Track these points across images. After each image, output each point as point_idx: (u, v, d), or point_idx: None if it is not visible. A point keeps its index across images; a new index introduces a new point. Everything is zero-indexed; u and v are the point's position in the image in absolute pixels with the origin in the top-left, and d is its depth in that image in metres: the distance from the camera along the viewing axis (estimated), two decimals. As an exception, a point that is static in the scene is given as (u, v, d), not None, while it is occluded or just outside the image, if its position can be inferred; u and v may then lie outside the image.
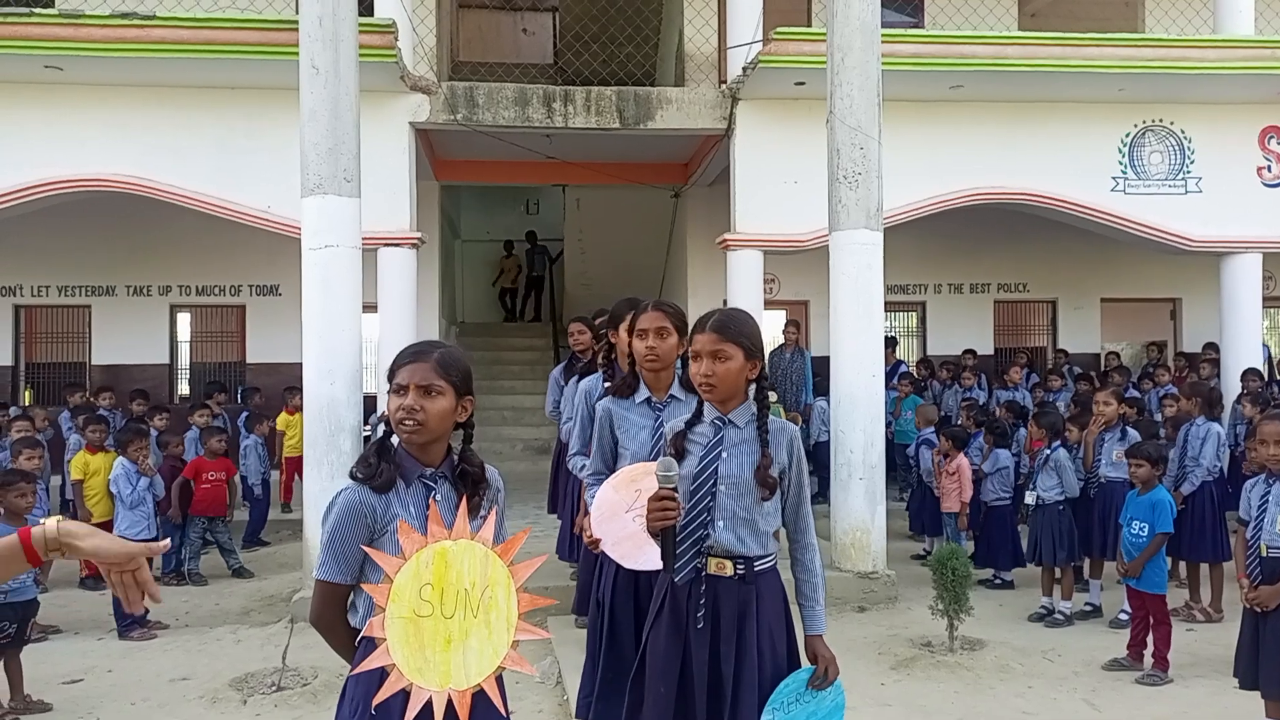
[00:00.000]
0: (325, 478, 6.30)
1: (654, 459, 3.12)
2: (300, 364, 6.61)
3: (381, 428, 2.31)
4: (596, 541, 3.19)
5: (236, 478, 8.55)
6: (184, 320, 11.93)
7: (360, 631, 2.18)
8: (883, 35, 7.11)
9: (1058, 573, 6.30)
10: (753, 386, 2.71)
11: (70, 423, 8.81)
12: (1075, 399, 7.69)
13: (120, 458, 6.56)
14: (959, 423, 8.38)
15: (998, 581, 7.16)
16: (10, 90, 8.16)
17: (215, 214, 8.54)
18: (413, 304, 8.51)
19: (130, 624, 6.07)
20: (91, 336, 11.50)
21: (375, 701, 2.08)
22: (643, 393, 3.44)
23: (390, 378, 2.27)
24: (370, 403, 8.68)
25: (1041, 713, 4.64)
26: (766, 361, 2.82)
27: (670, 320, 3.39)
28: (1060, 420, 6.73)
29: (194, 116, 8.35)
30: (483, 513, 2.27)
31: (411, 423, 2.20)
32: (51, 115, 8.24)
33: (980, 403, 9.54)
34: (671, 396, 3.43)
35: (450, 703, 2.09)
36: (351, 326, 6.48)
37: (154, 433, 7.70)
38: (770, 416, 2.72)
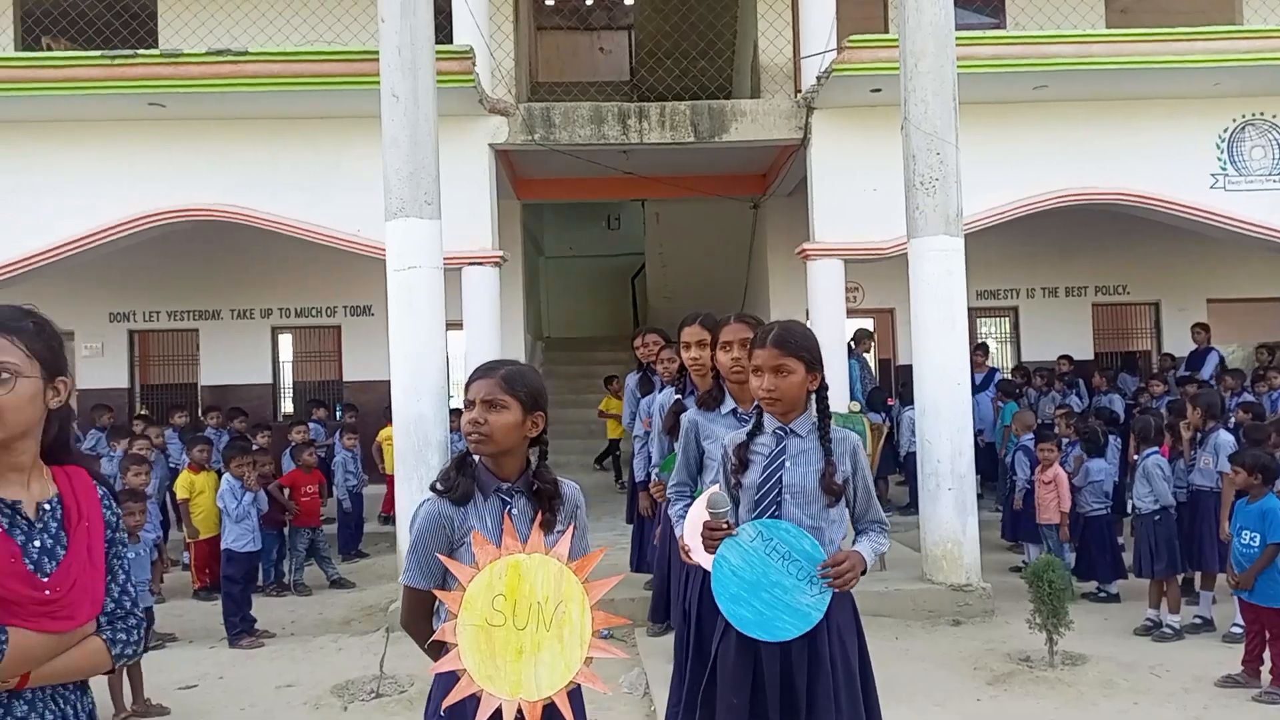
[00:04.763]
0: (415, 491, 6.48)
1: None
2: (393, 381, 6.80)
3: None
4: (689, 551, 3.26)
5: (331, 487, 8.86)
6: (285, 341, 12.41)
7: None
8: (961, 38, 6.99)
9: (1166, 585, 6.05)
10: (813, 397, 2.74)
11: (176, 442, 9.26)
12: (1170, 405, 7.37)
13: (226, 474, 6.88)
14: (1057, 431, 8.12)
15: (1102, 594, 6.90)
16: (118, 128, 8.65)
17: (309, 239, 8.88)
18: (496, 321, 8.67)
19: (240, 633, 6.35)
20: (200, 359, 12.07)
21: (445, 703, 2.15)
22: (728, 404, 3.47)
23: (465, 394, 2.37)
24: (457, 418, 8.90)
25: (1145, 731, 4.47)
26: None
27: (753, 331, 3.42)
28: (1151, 427, 6.46)
29: (287, 146, 8.71)
30: (559, 528, 2.32)
31: (476, 435, 2.29)
32: (156, 150, 8.69)
33: (1077, 410, 9.23)
34: (758, 407, 3.45)
35: (521, 713, 2.13)
36: (436, 344, 6.65)
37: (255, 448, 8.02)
38: (832, 425, 2.73)
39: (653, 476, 4.71)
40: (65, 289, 11.04)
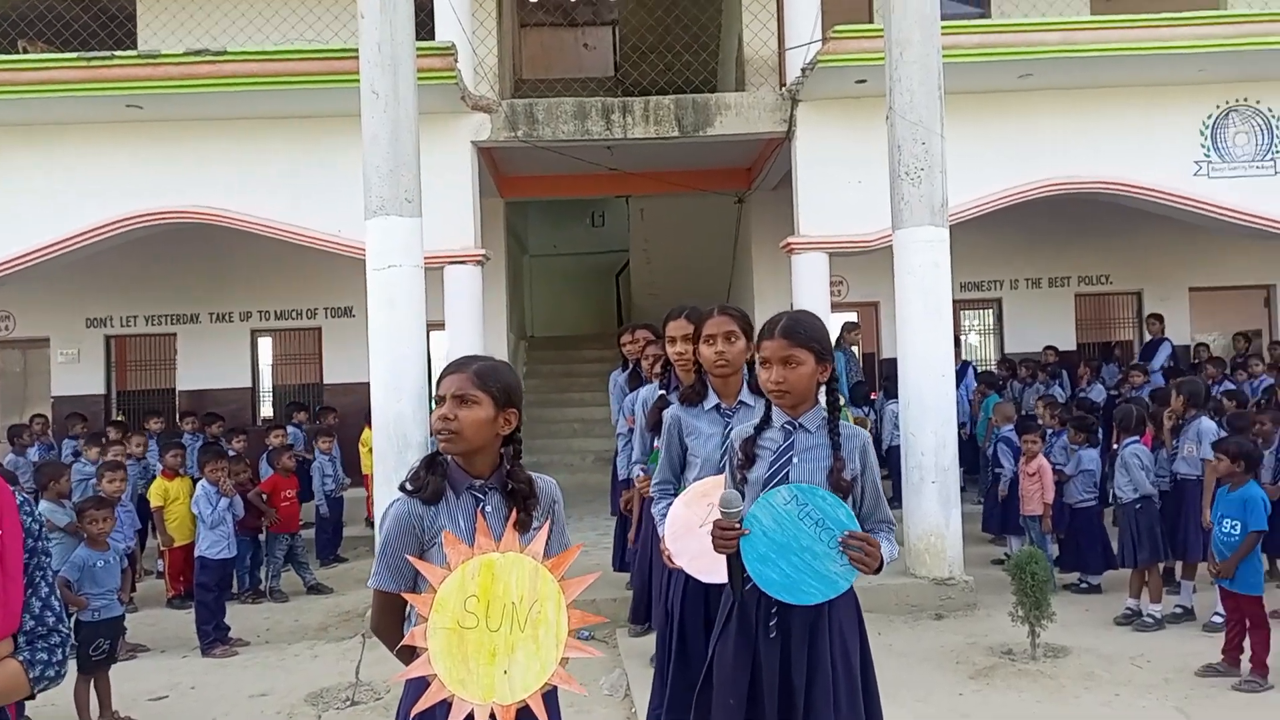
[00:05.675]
0: (395, 493, 6.40)
1: (724, 468, 3.09)
2: (375, 383, 6.71)
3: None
4: (670, 555, 3.20)
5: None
6: (265, 344, 12.26)
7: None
8: (946, 26, 6.98)
9: (1148, 574, 6.04)
10: (823, 389, 2.67)
11: (154, 449, 9.12)
12: (1153, 394, 7.38)
13: (201, 480, 6.77)
14: (1040, 422, 8.11)
15: (1083, 585, 6.89)
16: (95, 130, 8.54)
17: (289, 240, 8.79)
18: (479, 320, 8.60)
19: (213, 641, 6.25)
20: (178, 363, 11.91)
21: (415, 710, 2.08)
22: (711, 399, 3.40)
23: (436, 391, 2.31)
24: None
25: (1130, 722, 4.44)
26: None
27: (737, 324, 3.35)
28: (1133, 416, 6.47)
29: (266, 147, 8.62)
30: (535, 526, 2.25)
31: (446, 432, 2.23)
32: (133, 152, 8.59)
33: (1060, 401, 9.23)
34: (741, 402, 3.38)
35: (493, 717, 2.07)
36: (416, 343, 6.58)
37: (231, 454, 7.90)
38: (841, 421, 2.67)
39: (635, 473, 4.65)
40: (41, 295, 10.91)
